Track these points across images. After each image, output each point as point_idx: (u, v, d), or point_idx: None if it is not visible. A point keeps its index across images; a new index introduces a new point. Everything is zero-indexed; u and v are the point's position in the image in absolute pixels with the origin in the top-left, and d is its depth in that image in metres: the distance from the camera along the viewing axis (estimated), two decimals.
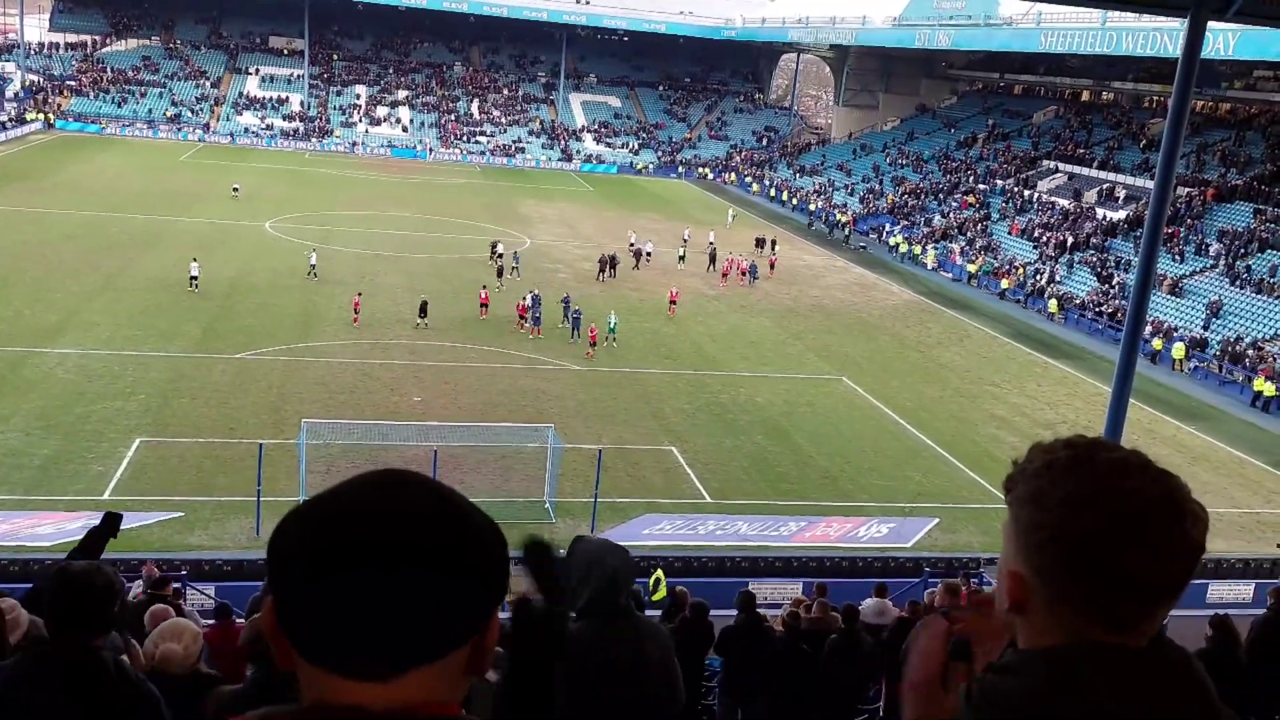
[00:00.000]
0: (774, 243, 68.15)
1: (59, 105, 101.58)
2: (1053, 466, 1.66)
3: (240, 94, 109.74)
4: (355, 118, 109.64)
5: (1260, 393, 43.68)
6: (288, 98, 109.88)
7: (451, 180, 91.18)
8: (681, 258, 61.99)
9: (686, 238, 66.85)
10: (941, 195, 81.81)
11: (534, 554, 2.37)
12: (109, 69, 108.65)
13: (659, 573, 21.13)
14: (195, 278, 46.85)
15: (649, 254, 60.28)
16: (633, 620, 4.27)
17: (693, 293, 54.43)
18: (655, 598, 19.65)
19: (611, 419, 34.46)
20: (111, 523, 5.06)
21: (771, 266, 62.36)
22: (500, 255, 54.96)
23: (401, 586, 1.40)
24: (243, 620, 12.85)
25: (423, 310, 42.81)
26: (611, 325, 42.56)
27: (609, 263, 55.18)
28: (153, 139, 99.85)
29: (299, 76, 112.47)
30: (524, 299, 44.92)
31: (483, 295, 46.53)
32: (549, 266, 57.61)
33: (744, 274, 59.13)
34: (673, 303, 50.19)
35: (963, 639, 1.93)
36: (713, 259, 60.92)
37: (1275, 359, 46.17)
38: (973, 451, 34.29)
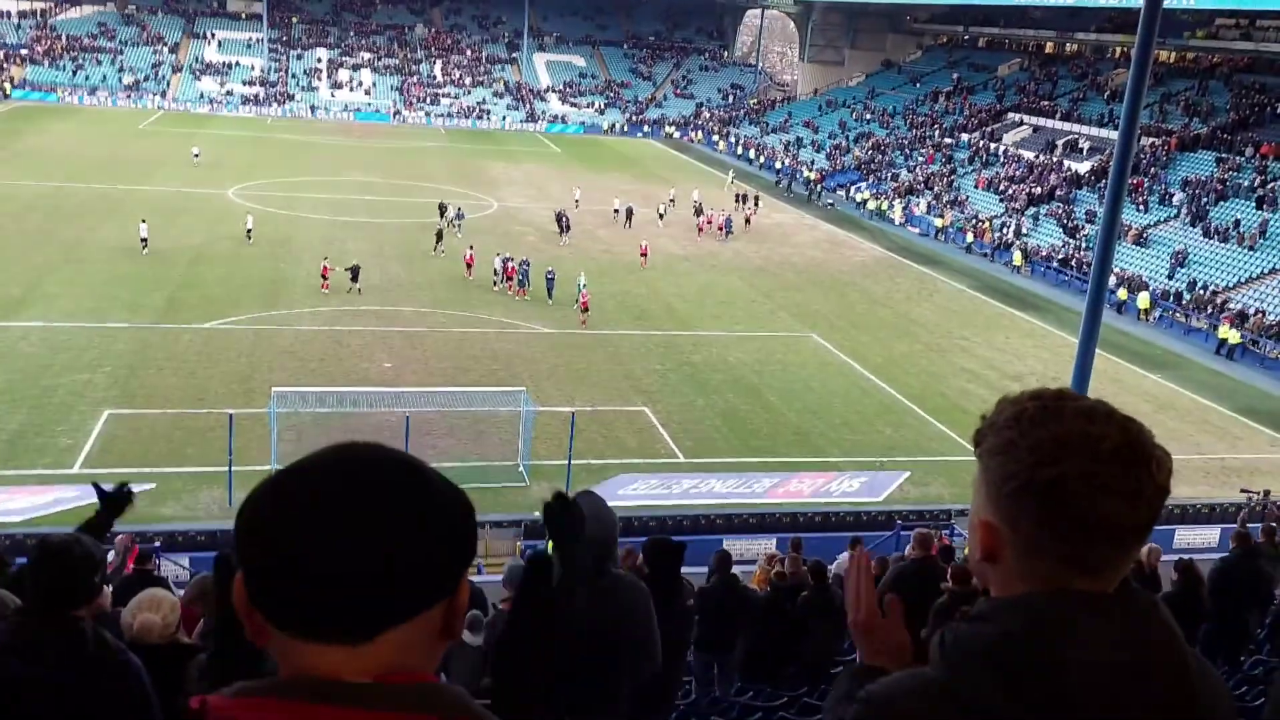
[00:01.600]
0: (757, 199, 68.63)
1: (14, 75, 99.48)
2: (1020, 418, 1.69)
3: (198, 60, 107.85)
4: (317, 82, 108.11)
5: (1224, 340, 44.25)
6: (247, 63, 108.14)
7: (417, 144, 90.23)
8: (661, 215, 62.10)
9: (673, 197, 66.88)
10: (908, 150, 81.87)
11: (556, 510, 2.37)
12: (64, 36, 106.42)
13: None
14: (145, 240, 46.38)
15: (629, 211, 60.27)
16: (612, 578, 4.30)
17: (663, 253, 54.32)
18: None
19: (584, 381, 34.47)
20: (118, 500, 4.95)
21: (747, 221, 62.85)
22: (448, 218, 54.84)
23: (369, 549, 1.42)
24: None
25: (354, 275, 42.26)
26: (580, 286, 42.46)
27: (565, 220, 55.29)
28: (111, 107, 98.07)
29: (258, 41, 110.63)
30: (511, 262, 44.69)
31: (467, 255, 46.40)
32: (518, 229, 57.29)
33: (721, 229, 59.84)
34: (643, 255, 51.12)
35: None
36: (698, 212, 61.96)
37: (1241, 307, 46.77)
38: (942, 405, 34.58)
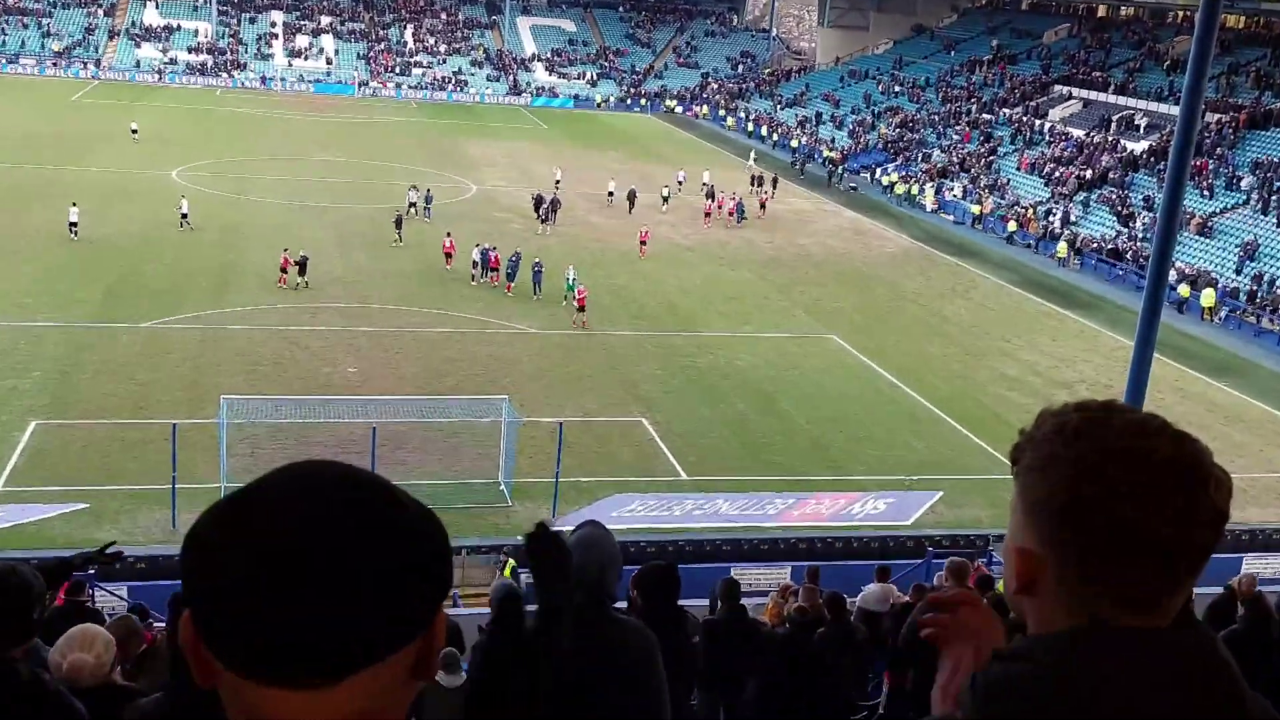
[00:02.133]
0: (775, 181, 69.13)
1: None
2: (1063, 431, 1.69)
3: (137, 24, 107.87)
4: (271, 49, 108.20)
5: None
6: (192, 27, 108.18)
7: (385, 119, 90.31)
8: (665, 199, 62.36)
9: (681, 179, 67.23)
10: (941, 127, 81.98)
11: (537, 543, 2.36)
12: None
13: (511, 563, 21.33)
14: (74, 224, 46.43)
15: (632, 195, 60.68)
16: (614, 623, 4.31)
17: (664, 242, 54.43)
18: None
19: (574, 388, 34.49)
20: (101, 560, 4.90)
21: (762, 206, 63.23)
22: (410, 202, 54.95)
23: (334, 584, 1.40)
24: (162, 623, 12.84)
25: (302, 268, 42.21)
26: (570, 281, 42.49)
27: (545, 205, 55.24)
28: (37, 77, 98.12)
29: (205, 2, 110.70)
30: (494, 252, 44.86)
31: (446, 244, 46.55)
32: (499, 216, 57.34)
33: (731, 214, 60.29)
34: (643, 243, 51.44)
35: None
36: (710, 196, 62.30)
37: None
38: (979, 415, 34.62)
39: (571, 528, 4.50)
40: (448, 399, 30.94)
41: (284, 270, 42.09)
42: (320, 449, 28.20)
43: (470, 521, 25.54)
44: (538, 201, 56.44)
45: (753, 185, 68.01)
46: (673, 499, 27.62)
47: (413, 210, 53.86)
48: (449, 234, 47.51)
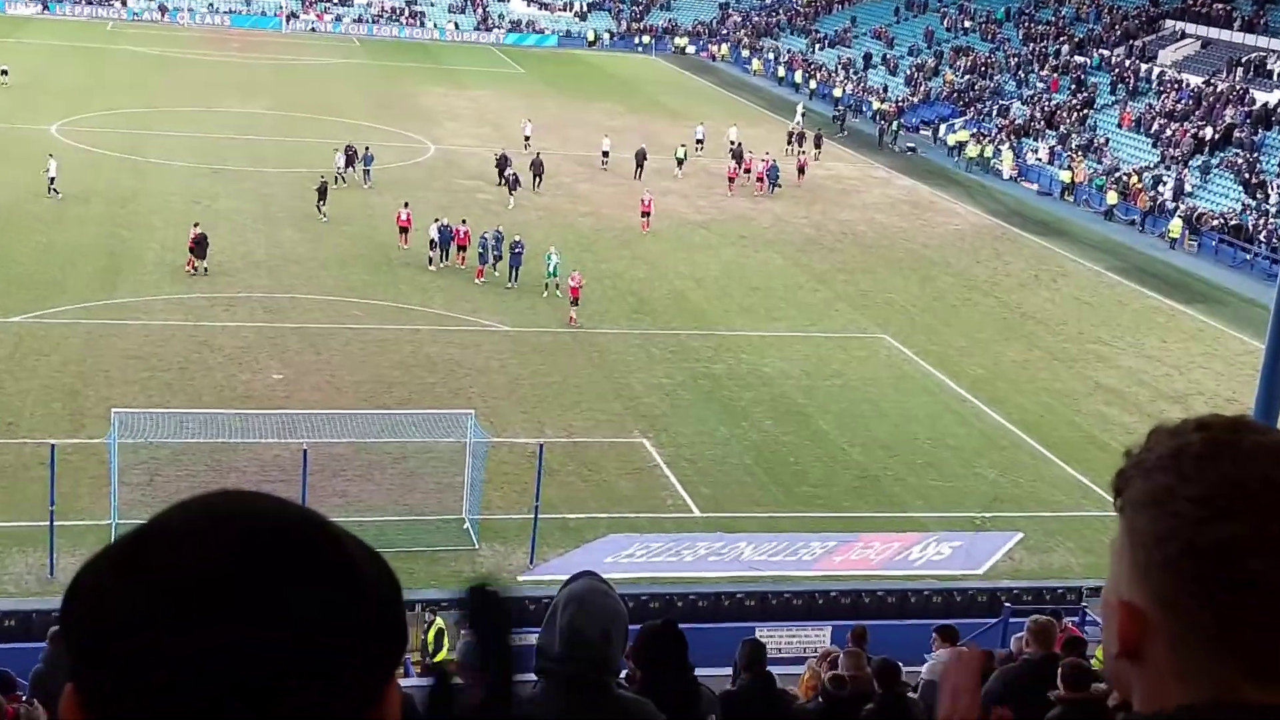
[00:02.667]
0: (819, 138, 69.58)
1: None
2: (1182, 457, 1.68)
3: None
4: None
5: None
6: None
7: (319, 60, 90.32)
8: (680, 160, 62.73)
9: (700, 136, 67.50)
10: (1022, 73, 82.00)
11: (478, 605, 2.36)
12: None
13: (439, 621, 21.32)
14: None
15: (641, 156, 60.97)
16: (615, 700, 4.32)
17: (673, 215, 54.48)
18: (437, 659, 19.85)
19: (558, 401, 34.45)
20: None
21: (801, 170, 63.41)
22: (338, 168, 55.10)
23: (264, 652, 1.40)
24: (24, 697, 12.83)
25: (198, 248, 41.81)
26: (551, 266, 42.46)
27: (510, 170, 55.25)
28: None
29: None
30: (465, 229, 45.04)
31: (402, 216, 46.59)
32: (464, 184, 57.37)
33: (761, 180, 60.42)
34: (645, 215, 51.49)
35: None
36: (737, 158, 62.59)
37: None
38: (1070, 438, 34.54)
39: (564, 579, 4.50)
40: (398, 414, 30.86)
41: (193, 250, 42.08)
42: (237, 476, 28.19)
43: (427, 569, 25.47)
44: (501, 164, 56.59)
45: (790, 144, 68.26)
46: (682, 541, 27.57)
47: (340, 179, 53.69)
48: (406, 204, 47.48)
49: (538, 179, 56.59)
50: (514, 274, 43.27)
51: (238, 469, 28.56)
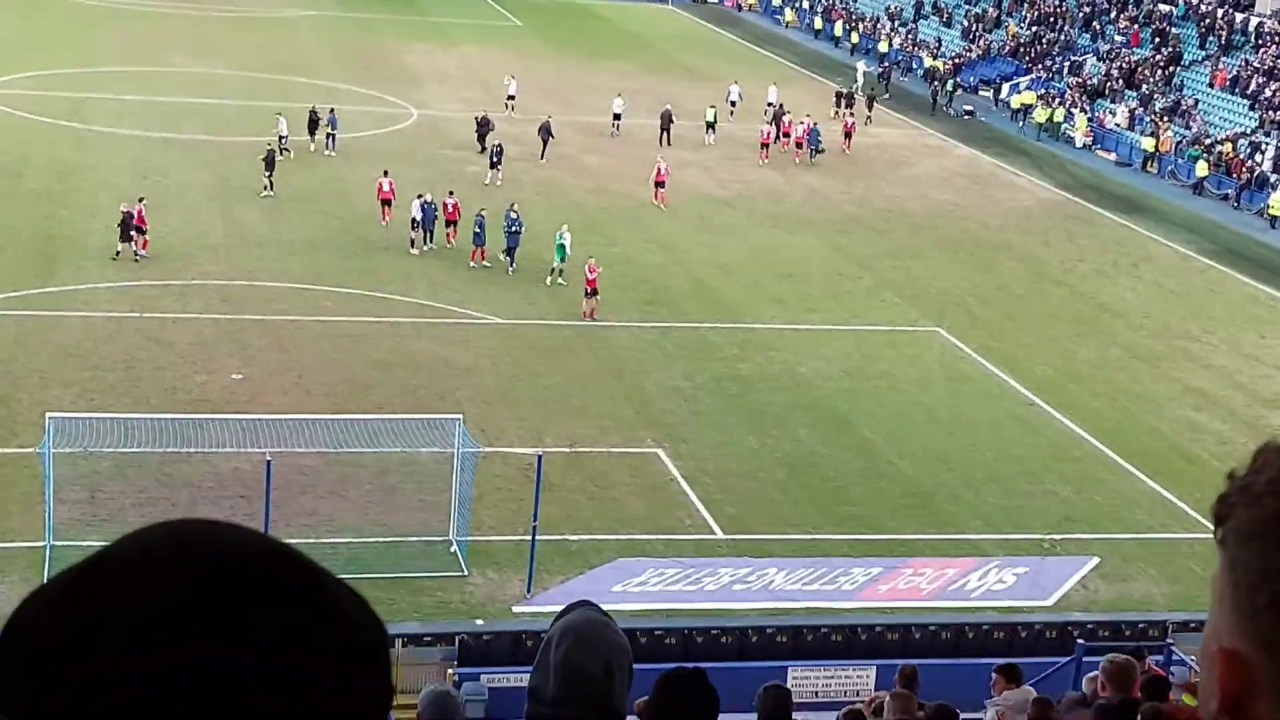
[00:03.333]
0: (872, 99, 70.31)
1: None
2: None
3: None
4: None
5: None
6: None
7: (283, 12, 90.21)
8: (710, 124, 62.93)
9: (734, 98, 67.61)
10: (1098, 25, 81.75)
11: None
12: None
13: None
14: None
15: (667, 119, 61.19)
16: None
17: (693, 190, 54.44)
18: None
19: (559, 405, 34.45)
20: None
21: (847, 135, 63.63)
22: (318, 124, 55.38)
23: (223, 673, 1.43)
24: None
25: (126, 229, 41.67)
26: (562, 247, 42.44)
27: (493, 139, 55.45)
28: None
29: None
30: (455, 203, 45.26)
31: (383, 187, 46.85)
32: (450, 155, 57.32)
33: (800, 144, 60.86)
34: (659, 185, 51.65)
35: None
36: (776, 122, 63.21)
37: None
38: (1154, 448, 34.45)
39: (558, 609, 4.49)
40: (376, 420, 30.85)
41: (140, 230, 42.05)
42: (190, 491, 28.26)
43: (409, 599, 25.49)
44: (483, 128, 56.95)
45: (838, 107, 68.43)
46: (703, 567, 27.55)
47: (284, 150, 53.03)
48: (386, 173, 47.57)
49: (545, 145, 56.78)
50: (510, 256, 43.41)
51: (191, 483, 28.59)
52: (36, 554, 24.82)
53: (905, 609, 26.68)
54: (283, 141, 53.18)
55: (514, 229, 43.41)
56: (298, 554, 1.57)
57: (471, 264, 43.40)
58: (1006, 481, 32.36)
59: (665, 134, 60.50)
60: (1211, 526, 1.72)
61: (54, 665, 1.46)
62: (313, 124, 55.77)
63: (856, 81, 75.66)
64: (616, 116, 62.83)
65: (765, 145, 60.77)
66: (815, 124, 62.19)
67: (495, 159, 53.67)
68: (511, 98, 65.15)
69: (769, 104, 65.95)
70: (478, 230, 43.68)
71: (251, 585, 1.50)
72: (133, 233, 41.74)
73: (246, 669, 1.45)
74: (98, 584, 1.49)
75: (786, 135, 62.07)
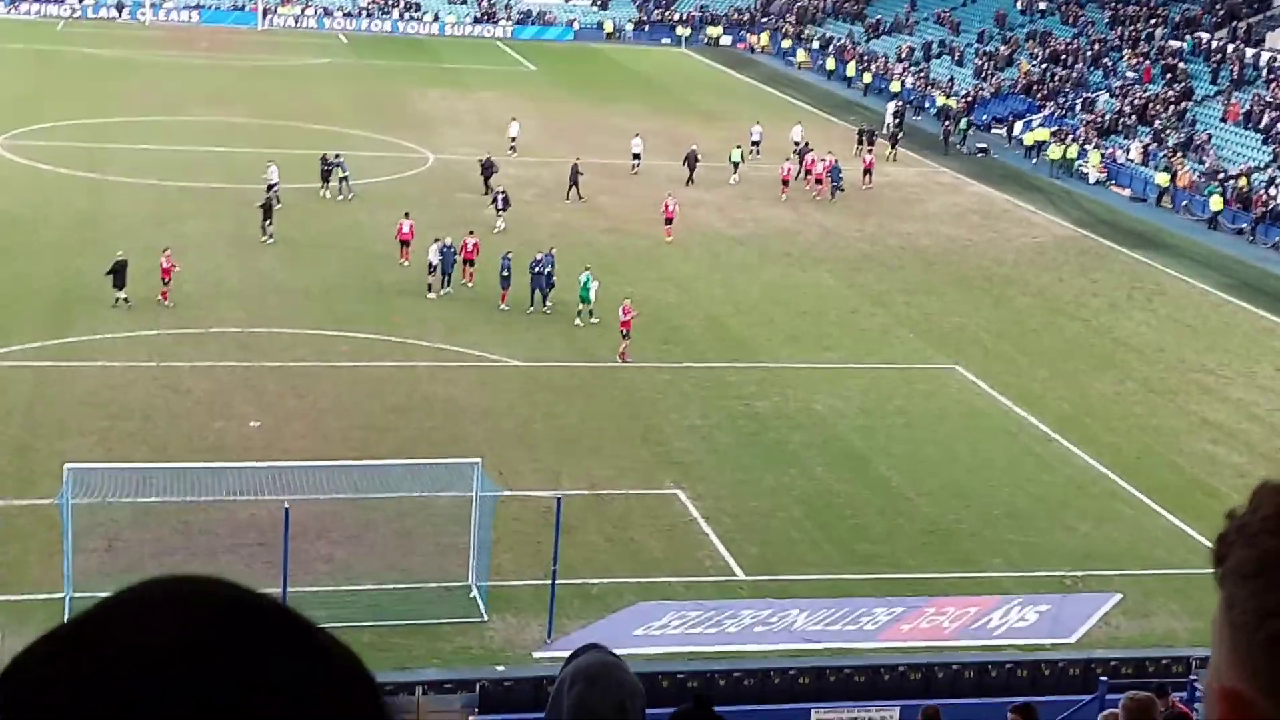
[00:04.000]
0: (895, 136, 71.60)
1: None
2: None
3: None
4: None
5: None
6: None
7: (301, 61, 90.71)
8: (736, 164, 63.47)
9: (757, 138, 68.25)
10: (1110, 61, 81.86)
11: None
12: None
13: None
14: None
15: (692, 160, 62.37)
16: None
17: (706, 229, 54.60)
18: None
19: (577, 446, 34.42)
20: None
21: (867, 173, 64.36)
22: (330, 171, 55.50)
23: (213, 697, 1.43)
24: None
25: (117, 277, 41.92)
26: (585, 289, 42.69)
27: (496, 184, 55.79)
28: None
29: None
30: (475, 243, 45.83)
31: (403, 229, 47.21)
32: (466, 198, 57.46)
33: (820, 180, 61.62)
34: (668, 221, 52.16)
35: None
36: (801, 156, 64.27)
37: None
38: (1173, 483, 34.35)
39: (567, 654, 4.47)
40: (393, 464, 30.82)
41: (165, 281, 42.07)
42: (208, 540, 28.26)
43: (428, 645, 25.41)
44: (486, 171, 57.43)
45: (861, 143, 69.28)
46: (724, 609, 27.45)
47: (276, 199, 52.53)
48: (407, 214, 47.85)
49: (575, 186, 57.53)
50: (544, 300, 43.73)
51: (209, 531, 28.58)
52: (55, 605, 24.77)
53: (927, 648, 26.57)
54: (273, 190, 52.75)
55: (541, 270, 43.59)
56: (310, 630, 1.57)
57: (503, 306, 43.53)
58: (1026, 518, 32.26)
59: (690, 174, 61.43)
60: (1213, 567, 1.73)
61: (65, 702, 1.46)
62: (325, 173, 55.91)
63: (886, 120, 76.29)
64: (636, 156, 63.48)
65: (786, 181, 61.27)
66: (837, 161, 62.74)
67: (501, 205, 53.28)
68: (514, 139, 65.69)
69: (795, 142, 66.67)
70: (505, 274, 43.78)
71: (251, 630, 1.50)
72: (111, 276, 42.00)
73: (255, 708, 1.45)
74: (104, 628, 1.49)
75: (809, 172, 62.68)
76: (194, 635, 1.46)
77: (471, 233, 46.54)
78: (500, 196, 53.62)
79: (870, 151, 67.73)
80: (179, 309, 41.95)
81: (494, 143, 66.94)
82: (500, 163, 59.41)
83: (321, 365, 38.69)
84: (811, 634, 26.92)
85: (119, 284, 41.83)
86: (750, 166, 64.47)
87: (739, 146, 64.72)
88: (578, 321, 42.69)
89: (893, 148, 70.79)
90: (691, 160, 61.95)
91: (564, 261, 45.46)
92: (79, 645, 1.49)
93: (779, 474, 33.58)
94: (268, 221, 49.83)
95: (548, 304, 43.95)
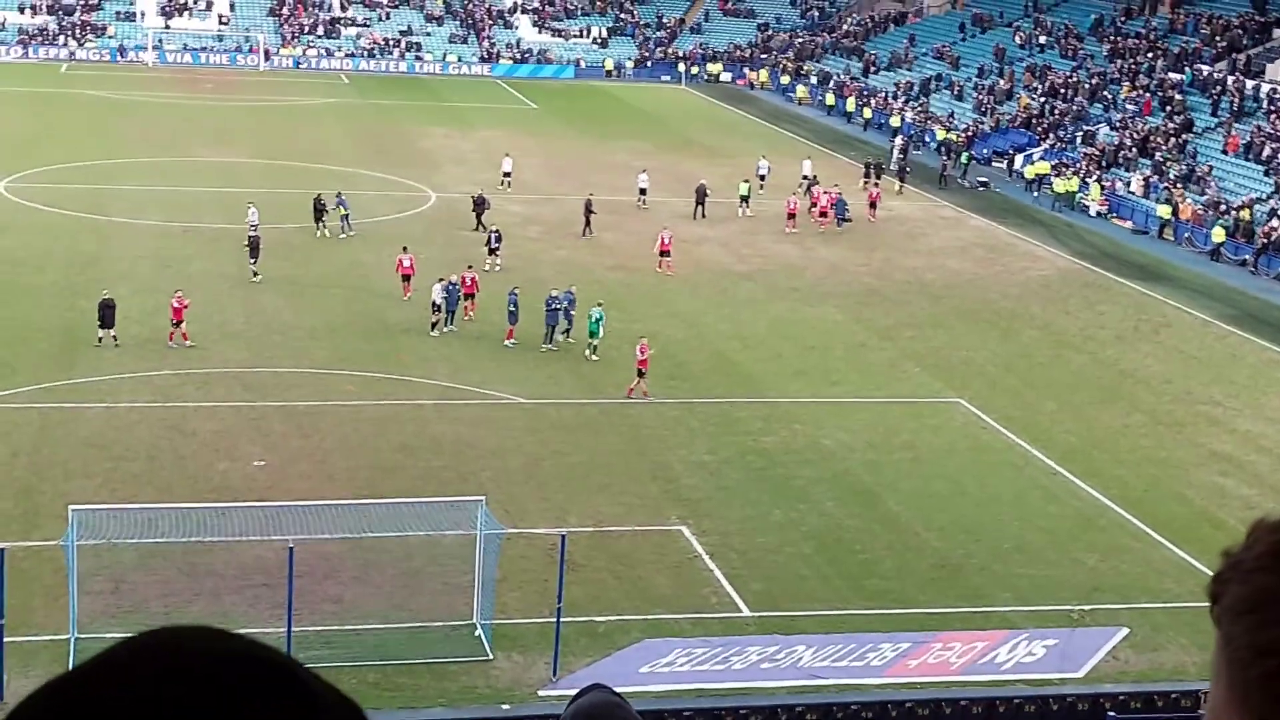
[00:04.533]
0: (903, 171, 72.81)
1: None
2: None
3: None
4: (137, 4, 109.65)
5: None
6: None
7: (304, 100, 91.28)
8: (744, 199, 64.42)
9: (764, 171, 69.02)
10: (1110, 94, 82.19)
11: None
12: None
13: None
14: None
15: (701, 194, 63.01)
16: None
17: (713, 268, 54.77)
18: None
19: (583, 484, 34.42)
20: None
21: (872, 205, 65.18)
22: (324, 211, 55.88)
23: None
24: None
25: (104, 317, 42.03)
26: (596, 323, 43.12)
27: (489, 224, 56.36)
28: None
29: None
30: (473, 277, 46.44)
31: (403, 263, 47.72)
32: (469, 236, 57.71)
33: (825, 213, 62.56)
34: (664, 254, 52.91)
35: None
36: (809, 190, 65.59)
37: None
38: (1181, 515, 34.33)
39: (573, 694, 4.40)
40: (398, 504, 30.81)
41: (177, 323, 42.06)
42: (214, 581, 28.23)
43: (434, 684, 25.36)
44: (478, 208, 58.17)
45: (868, 177, 70.53)
46: (731, 646, 27.38)
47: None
48: (405, 248, 48.19)
49: (588, 222, 58.34)
50: (550, 336, 43.97)
51: (214, 572, 28.55)
52: (60, 647, 24.75)
53: (935, 684, 26.52)
54: (253, 230, 52.81)
55: (560, 306, 44.01)
56: (306, 680, 1.55)
57: (508, 343, 43.77)
58: (1034, 552, 32.24)
59: (700, 207, 62.27)
60: (1209, 604, 1.73)
61: None
62: (318, 211, 56.05)
63: (894, 155, 77.17)
64: (642, 191, 64.36)
65: (792, 215, 61.85)
66: (841, 194, 63.61)
67: (494, 243, 53.09)
68: (507, 175, 66.64)
69: (804, 176, 67.70)
70: (512, 309, 43.98)
71: (248, 684, 1.48)
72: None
73: None
74: (102, 681, 1.47)
75: (814, 204, 63.48)
76: (189, 691, 1.44)
77: (470, 267, 47.07)
78: (493, 235, 53.57)
79: (877, 185, 68.41)
80: (182, 349, 42.00)
81: (495, 180, 67.34)
82: (496, 198, 59.97)
83: (326, 404, 38.74)
84: (819, 670, 26.87)
85: (107, 323, 42.07)
86: (756, 201, 64.83)
87: (746, 181, 65.38)
88: (588, 353, 42.93)
89: (900, 182, 71.62)
90: (701, 194, 62.62)
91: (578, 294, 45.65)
92: (77, 699, 1.47)
93: (787, 509, 33.58)
94: (254, 260, 50.32)
95: (564, 338, 44.29)
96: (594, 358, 42.81)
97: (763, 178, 68.37)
